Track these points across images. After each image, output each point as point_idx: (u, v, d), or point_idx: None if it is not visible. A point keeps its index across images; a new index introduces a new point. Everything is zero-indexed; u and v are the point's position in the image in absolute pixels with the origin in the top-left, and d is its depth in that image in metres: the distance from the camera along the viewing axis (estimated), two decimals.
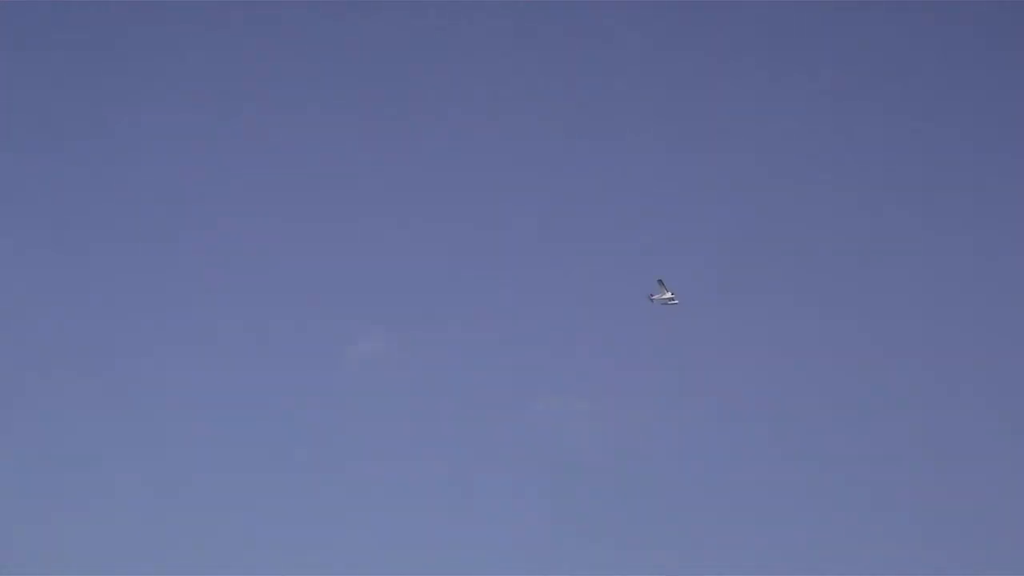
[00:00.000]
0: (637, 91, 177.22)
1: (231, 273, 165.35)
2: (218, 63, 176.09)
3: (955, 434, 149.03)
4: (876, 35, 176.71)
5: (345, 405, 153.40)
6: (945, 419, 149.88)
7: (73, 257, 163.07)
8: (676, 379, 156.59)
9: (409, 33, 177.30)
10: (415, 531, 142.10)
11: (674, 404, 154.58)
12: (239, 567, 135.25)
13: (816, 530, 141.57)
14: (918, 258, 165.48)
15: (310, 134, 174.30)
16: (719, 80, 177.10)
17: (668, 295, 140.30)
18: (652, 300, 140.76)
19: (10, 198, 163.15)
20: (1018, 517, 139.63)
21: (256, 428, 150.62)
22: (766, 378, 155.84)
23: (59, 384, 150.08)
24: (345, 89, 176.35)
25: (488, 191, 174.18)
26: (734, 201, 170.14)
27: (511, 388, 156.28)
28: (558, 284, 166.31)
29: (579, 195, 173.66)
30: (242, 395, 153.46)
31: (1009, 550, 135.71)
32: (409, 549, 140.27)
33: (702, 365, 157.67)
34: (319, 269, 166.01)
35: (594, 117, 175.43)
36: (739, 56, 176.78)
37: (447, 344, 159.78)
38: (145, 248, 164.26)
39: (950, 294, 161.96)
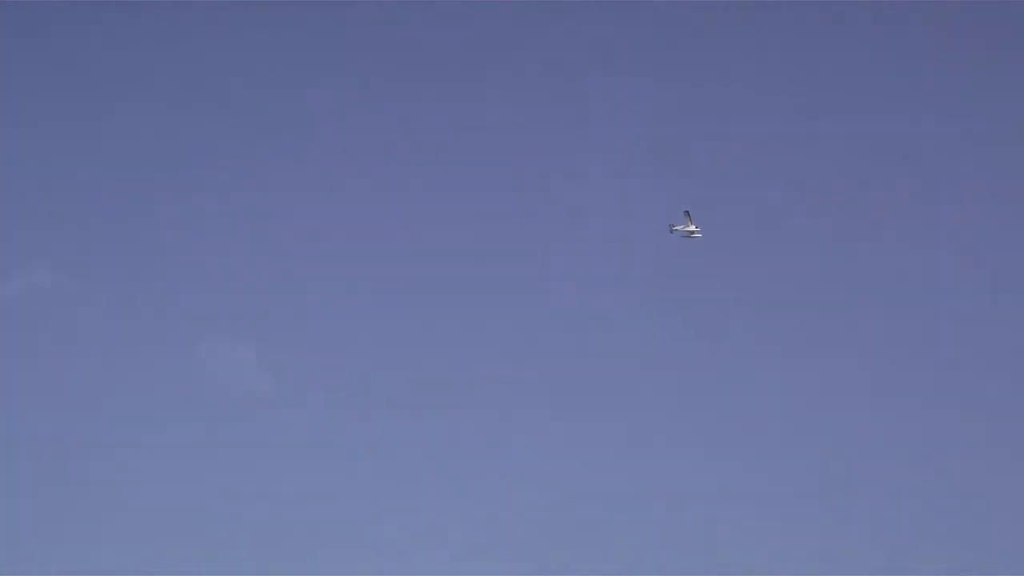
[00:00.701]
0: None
1: None
2: None
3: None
4: None
5: None
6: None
7: None
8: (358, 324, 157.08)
9: None
10: (69, 475, 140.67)
11: (351, 350, 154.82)
12: None
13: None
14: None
15: None
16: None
17: (692, 228, 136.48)
18: (673, 231, 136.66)
19: None
20: None
21: None
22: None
23: None
24: None
25: (155, 125, 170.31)
26: None
27: (178, 329, 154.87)
28: (234, 224, 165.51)
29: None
30: None
31: None
32: (61, 496, 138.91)
33: (377, 313, 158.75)
34: None
35: None
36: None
37: (113, 282, 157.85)
38: None
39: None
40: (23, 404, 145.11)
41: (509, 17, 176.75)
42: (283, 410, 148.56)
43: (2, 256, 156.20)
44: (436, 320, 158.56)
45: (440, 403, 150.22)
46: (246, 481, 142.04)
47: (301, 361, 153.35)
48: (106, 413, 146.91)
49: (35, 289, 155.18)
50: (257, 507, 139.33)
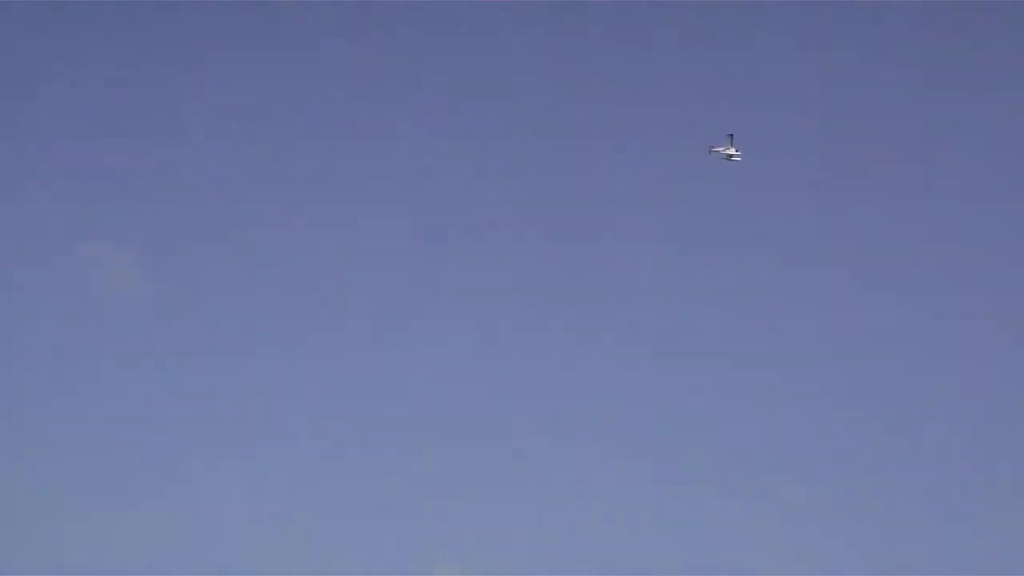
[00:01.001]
0: None
1: None
2: None
3: None
4: None
5: None
6: None
7: None
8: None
9: None
10: None
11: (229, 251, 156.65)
12: None
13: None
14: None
15: None
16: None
17: (732, 150, 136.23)
18: (712, 152, 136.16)
19: None
20: None
21: None
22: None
23: None
24: None
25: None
26: None
27: (54, 232, 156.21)
28: (114, 127, 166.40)
29: None
30: None
31: None
32: None
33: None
34: None
35: None
36: None
37: None
38: None
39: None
40: None
41: None
42: (160, 313, 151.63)
43: None
44: (321, 229, 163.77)
45: (324, 310, 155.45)
46: (121, 382, 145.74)
47: (180, 265, 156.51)
48: None
49: None
50: (130, 411, 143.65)
